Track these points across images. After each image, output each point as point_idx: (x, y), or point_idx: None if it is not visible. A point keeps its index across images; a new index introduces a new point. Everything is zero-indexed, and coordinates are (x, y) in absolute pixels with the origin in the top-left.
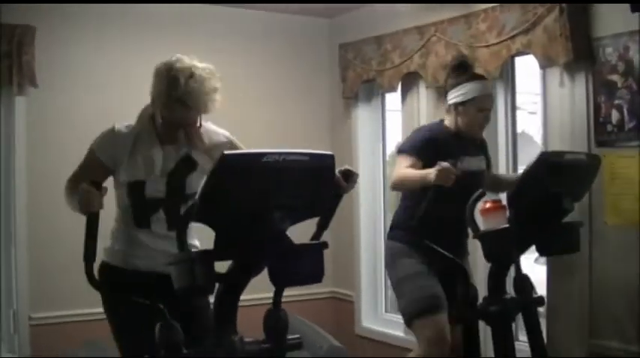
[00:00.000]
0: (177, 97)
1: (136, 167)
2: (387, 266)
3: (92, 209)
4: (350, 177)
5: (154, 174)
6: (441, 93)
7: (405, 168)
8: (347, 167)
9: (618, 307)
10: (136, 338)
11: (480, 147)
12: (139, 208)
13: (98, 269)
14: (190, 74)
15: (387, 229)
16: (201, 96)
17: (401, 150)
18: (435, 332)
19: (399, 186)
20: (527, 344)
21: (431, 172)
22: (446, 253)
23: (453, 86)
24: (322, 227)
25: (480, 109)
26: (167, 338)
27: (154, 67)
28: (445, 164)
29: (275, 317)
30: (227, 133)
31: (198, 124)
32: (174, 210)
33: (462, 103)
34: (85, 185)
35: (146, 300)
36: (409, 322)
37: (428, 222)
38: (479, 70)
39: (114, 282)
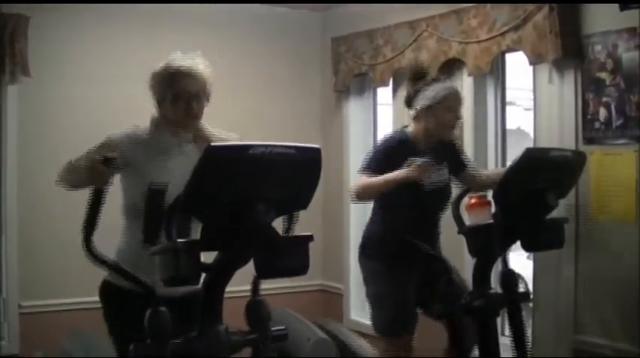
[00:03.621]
0: (179, 91)
1: (152, 168)
2: (364, 282)
3: (97, 184)
4: None
5: (167, 168)
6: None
7: (365, 179)
8: None
9: (603, 303)
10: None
11: (441, 155)
12: (153, 217)
13: (99, 289)
14: (186, 69)
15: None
16: (199, 81)
17: (361, 169)
18: (396, 353)
19: (363, 195)
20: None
21: (406, 170)
22: (428, 250)
23: (418, 91)
24: (291, 220)
25: (449, 109)
26: (156, 326)
27: (150, 76)
28: (421, 159)
29: (256, 308)
30: (234, 136)
31: (207, 102)
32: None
33: (430, 106)
34: (93, 156)
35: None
36: (376, 334)
37: (398, 237)
38: (469, 66)
39: (120, 308)
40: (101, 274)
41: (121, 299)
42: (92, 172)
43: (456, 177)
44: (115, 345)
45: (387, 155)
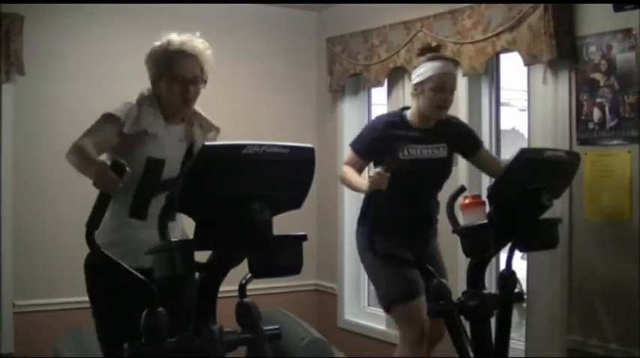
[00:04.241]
0: (177, 72)
1: (139, 131)
2: (359, 250)
3: (106, 191)
4: None
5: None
6: None
7: (347, 167)
8: None
9: (596, 304)
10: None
11: (440, 134)
12: (144, 191)
13: (84, 264)
14: (186, 49)
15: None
16: (199, 62)
17: (350, 144)
18: (413, 317)
19: (342, 182)
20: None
21: (364, 184)
22: (408, 258)
23: (414, 68)
24: None
25: (437, 88)
26: (152, 326)
27: (148, 52)
28: (375, 170)
29: (245, 309)
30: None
31: (203, 85)
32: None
33: (420, 83)
34: (102, 164)
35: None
36: (388, 307)
37: (391, 215)
38: (464, 66)
39: (104, 284)
40: None
41: (106, 274)
42: (101, 179)
43: (469, 159)
44: (99, 319)
45: (374, 138)
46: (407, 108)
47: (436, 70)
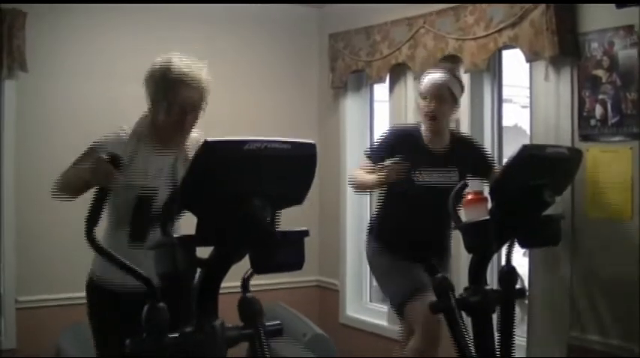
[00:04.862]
0: (175, 101)
1: (136, 171)
2: (369, 262)
3: (103, 183)
4: None
5: (157, 179)
6: None
7: (356, 171)
8: None
9: (598, 300)
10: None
11: (453, 157)
12: (140, 221)
13: (86, 286)
14: (187, 78)
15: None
16: (199, 92)
17: (365, 152)
18: (427, 310)
19: (350, 183)
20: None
21: (379, 174)
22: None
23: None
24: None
25: (429, 98)
26: (153, 321)
27: (148, 72)
28: (389, 160)
29: (247, 304)
30: None
31: (202, 112)
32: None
33: (419, 94)
34: (99, 158)
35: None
36: (400, 309)
37: (403, 234)
38: (466, 62)
39: (102, 306)
40: None
41: (110, 299)
42: (97, 173)
43: (483, 178)
44: (99, 343)
45: (387, 147)
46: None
47: (429, 80)
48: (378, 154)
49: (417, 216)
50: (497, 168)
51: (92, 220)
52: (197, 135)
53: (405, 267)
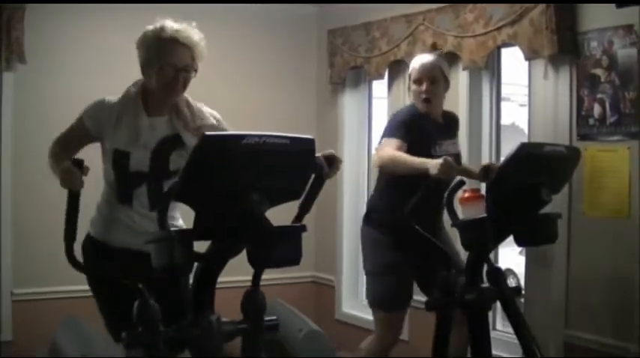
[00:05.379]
0: (168, 61)
1: (121, 135)
2: (363, 250)
3: (72, 188)
4: (333, 162)
5: (137, 143)
6: None
7: (395, 151)
8: (331, 151)
9: (594, 299)
10: (116, 312)
11: (452, 130)
12: (122, 182)
13: (82, 242)
14: (180, 37)
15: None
16: (191, 52)
17: (385, 134)
18: (390, 326)
19: (388, 166)
20: (504, 334)
21: (431, 163)
22: (434, 240)
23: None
24: (304, 210)
25: (418, 81)
26: (144, 316)
27: (141, 36)
28: (448, 158)
29: (253, 298)
30: (217, 115)
31: (194, 74)
32: (156, 187)
33: (409, 76)
34: (66, 163)
35: (124, 279)
36: (371, 307)
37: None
38: (464, 60)
39: (94, 257)
40: None
41: (101, 253)
42: (65, 178)
43: None
44: (100, 300)
45: (412, 124)
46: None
47: (417, 62)
48: (404, 134)
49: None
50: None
51: (69, 238)
52: (185, 96)
53: (396, 273)
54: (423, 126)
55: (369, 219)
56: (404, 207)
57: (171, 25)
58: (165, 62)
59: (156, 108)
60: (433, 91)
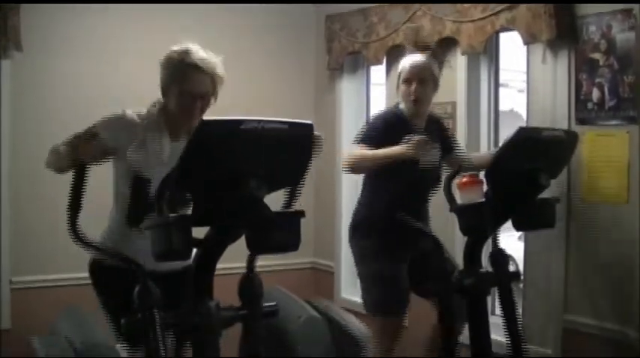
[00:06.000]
0: (188, 88)
1: (143, 158)
2: (356, 264)
3: (82, 158)
4: (314, 141)
5: (161, 169)
6: None
7: (358, 151)
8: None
9: (593, 284)
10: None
11: (433, 135)
12: (139, 206)
13: (89, 268)
14: (203, 66)
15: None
16: (212, 81)
17: (357, 141)
18: (387, 331)
19: (358, 165)
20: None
21: (404, 146)
22: (419, 225)
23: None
24: (292, 195)
25: (407, 81)
26: (144, 301)
27: (165, 57)
28: (420, 136)
29: (249, 283)
30: None
31: (213, 100)
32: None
33: (399, 76)
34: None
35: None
36: (368, 312)
37: (391, 215)
38: (463, 45)
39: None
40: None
41: (111, 277)
42: (75, 148)
43: (442, 158)
44: (110, 320)
45: (385, 129)
46: (398, 104)
47: (407, 62)
48: (376, 137)
49: (408, 201)
50: (459, 152)
51: (73, 210)
52: None
53: (392, 280)
54: (402, 130)
55: (354, 231)
56: (390, 209)
57: (196, 50)
58: (187, 87)
59: (176, 131)
60: (422, 93)
